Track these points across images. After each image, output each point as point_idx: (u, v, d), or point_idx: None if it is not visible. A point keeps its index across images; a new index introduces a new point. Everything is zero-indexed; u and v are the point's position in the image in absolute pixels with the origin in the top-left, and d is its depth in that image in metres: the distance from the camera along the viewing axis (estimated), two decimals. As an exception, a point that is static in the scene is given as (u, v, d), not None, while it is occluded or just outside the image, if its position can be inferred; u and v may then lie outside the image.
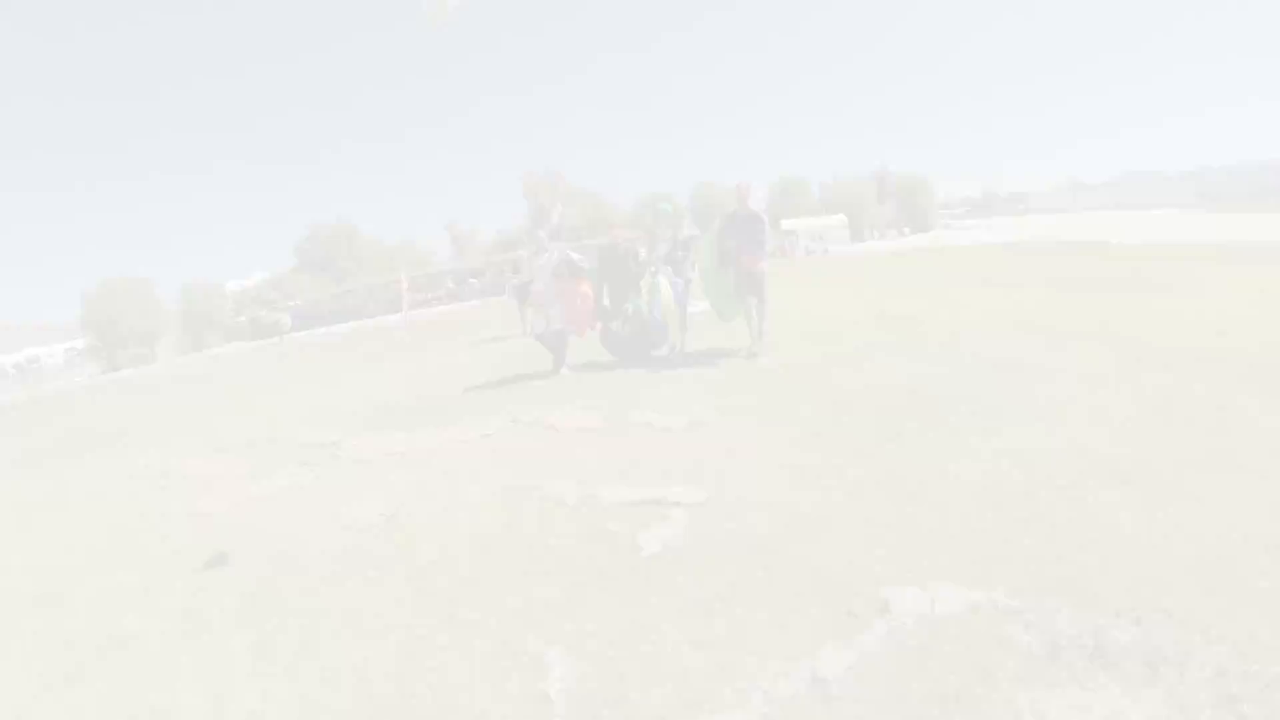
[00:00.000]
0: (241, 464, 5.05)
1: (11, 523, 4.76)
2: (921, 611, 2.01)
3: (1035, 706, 1.62)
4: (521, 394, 5.88)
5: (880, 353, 5.30)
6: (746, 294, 6.30)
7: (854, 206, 49.69)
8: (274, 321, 27.32)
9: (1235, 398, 3.44)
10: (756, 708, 1.76)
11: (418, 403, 6.34)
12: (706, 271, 6.62)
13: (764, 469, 3.29)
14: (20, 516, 4.83)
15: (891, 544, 2.41)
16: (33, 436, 9.64)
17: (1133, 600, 1.94)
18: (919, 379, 4.38)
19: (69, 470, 6.18)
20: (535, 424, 4.64)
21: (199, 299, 37.00)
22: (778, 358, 5.86)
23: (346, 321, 33.99)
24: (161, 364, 27.39)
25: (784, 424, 3.93)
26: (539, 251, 7.02)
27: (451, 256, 54.52)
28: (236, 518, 3.93)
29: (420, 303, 22.72)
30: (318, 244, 46.79)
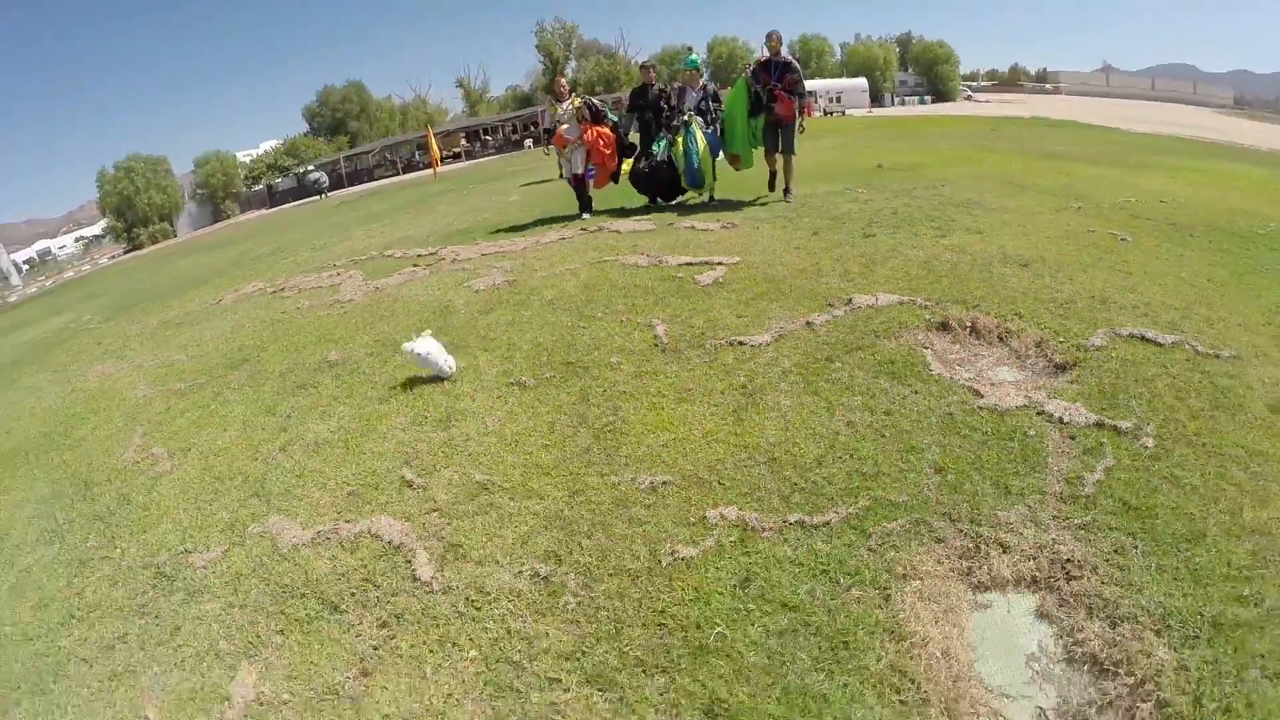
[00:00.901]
0: (358, 273, 6.43)
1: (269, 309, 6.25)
2: (870, 304, 3.49)
3: (927, 342, 3.10)
4: (579, 216, 7.00)
5: (874, 190, 6.38)
6: (774, 140, 6.50)
7: (875, 71, 47.21)
8: (315, 180, 29.88)
9: (1139, 239, 4.58)
10: (773, 333, 3.28)
11: (489, 225, 7.51)
12: (733, 118, 6.63)
13: (777, 248, 4.62)
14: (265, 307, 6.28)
15: (858, 280, 3.79)
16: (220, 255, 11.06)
17: (1000, 311, 3.32)
18: (900, 206, 5.53)
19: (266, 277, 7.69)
20: (600, 230, 5.89)
21: (216, 171, 36.99)
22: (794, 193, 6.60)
23: (365, 183, 34.15)
24: (193, 235, 28.96)
25: (794, 228, 5.16)
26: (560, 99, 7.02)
27: (464, 112, 52.73)
28: (387, 295, 5.32)
29: (440, 158, 23.57)
30: (328, 108, 45.56)
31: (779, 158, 6.60)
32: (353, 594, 2.15)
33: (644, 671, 1.71)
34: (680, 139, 6.72)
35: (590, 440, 2.72)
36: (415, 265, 6.31)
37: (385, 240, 8.24)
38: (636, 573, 2.01)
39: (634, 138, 7.10)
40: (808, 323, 3.43)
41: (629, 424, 2.78)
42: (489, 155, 34.05)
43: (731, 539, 2.09)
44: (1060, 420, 2.47)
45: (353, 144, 44.91)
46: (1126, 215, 5.21)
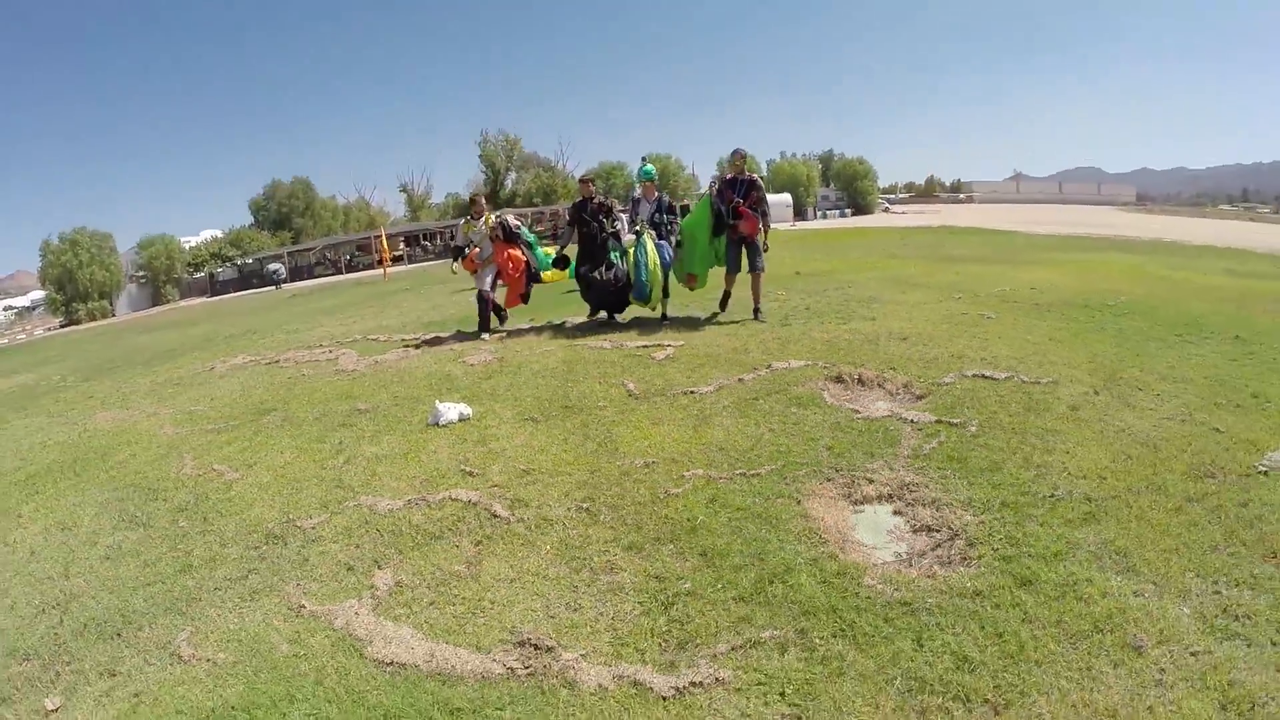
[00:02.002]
0: (351, 351, 7.43)
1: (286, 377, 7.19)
2: (784, 367, 4.83)
3: (824, 387, 4.40)
4: (543, 312, 8.12)
5: (791, 293, 8.00)
6: (737, 259, 6.70)
7: (799, 187, 51.27)
8: (274, 271, 31.44)
9: (1002, 316, 6.20)
10: (715, 385, 4.54)
11: (459, 319, 8.54)
12: (695, 237, 6.77)
13: (712, 335, 6.06)
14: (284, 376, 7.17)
15: (776, 353, 5.16)
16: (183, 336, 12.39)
17: (879, 367, 4.72)
18: (811, 303, 7.18)
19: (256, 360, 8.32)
20: (562, 324, 7.22)
21: (160, 254, 36.84)
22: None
23: (305, 279, 34.77)
24: (132, 315, 28.84)
25: (723, 320, 6.68)
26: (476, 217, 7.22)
27: (406, 216, 54.12)
28: (389, 366, 6.33)
29: (390, 259, 24.96)
30: (275, 202, 46.55)
31: (742, 278, 6.66)
32: (449, 529, 3.04)
33: (659, 541, 2.75)
34: (631, 250, 6.76)
35: (595, 446, 3.80)
36: (405, 346, 7.29)
37: (362, 328, 9.29)
38: (644, 502, 3.07)
39: (571, 250, 7.43)
40: (739, 379, 4.73)
41: (621, 438, 3.88)
42: (429, 260, 35.51)
43: (701, 484, 3.20)
44: (911, 421, 3.77)
45: (296, 240, 45.51)
46: (998, 300, 6.96)
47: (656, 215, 6.84)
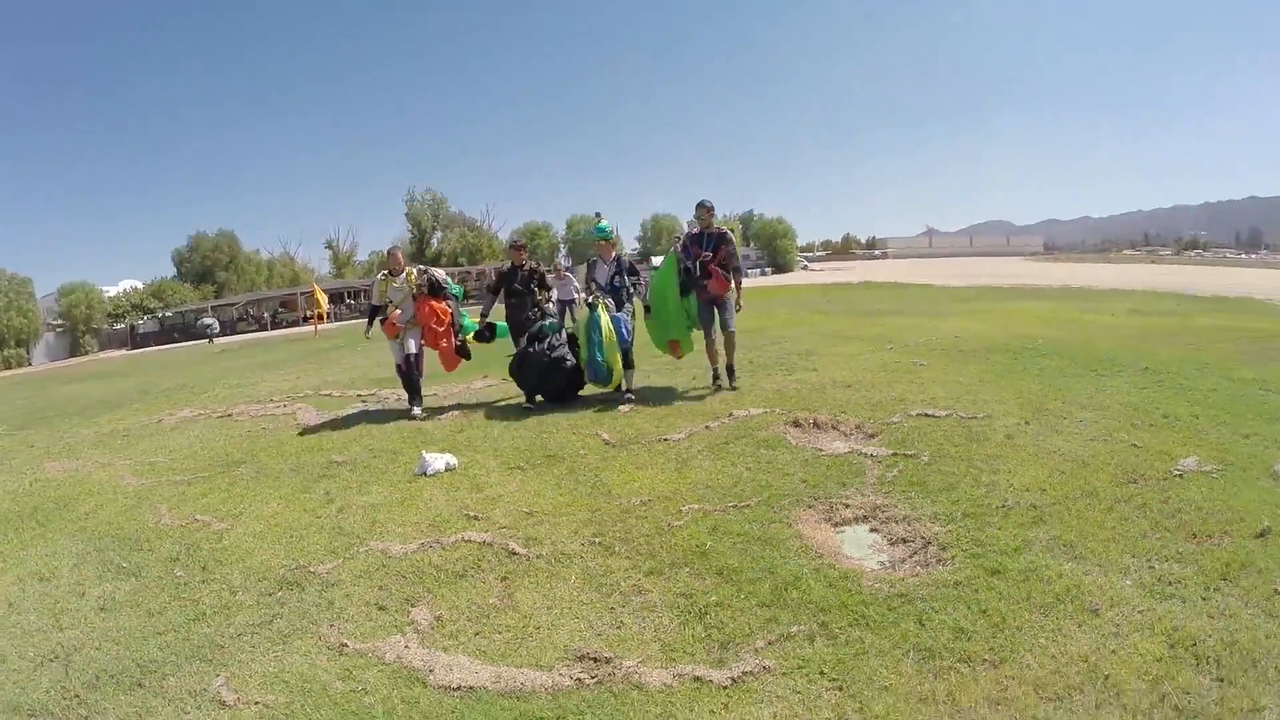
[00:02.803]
0: (306, 406, 7.51)
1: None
2: (745, 415, 5.24)
3: (786, 431, 4.85)
4: (485, 369, 8.15)
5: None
6: (710, 319, 6.10)
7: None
8: (208, 325, 31.46)
9: (932, 362, 6.93)
10: (685, 433, 4.89)
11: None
12: (665, 299, 6.14)
13: (668, 388, 6.48)
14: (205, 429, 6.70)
15: (732, 404, 5.58)
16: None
17: (832, 411, 5.23)
18: (753, 358, 7.70)
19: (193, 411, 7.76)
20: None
21: (80, 303, 34.32)
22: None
23: (228, 336, 33.41)
24: (50, 365, 26.87)
25: (675, 379, 7.00)
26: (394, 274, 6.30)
27: (331, 273, 52.83)
28: (360, 422, 6.34)
29: (315, 317, 24.37)
30: (199, 254, 44.53)
31: (719, 337, 6.15)
32: (471, 568, 3.17)
33: (675, 565, 3.02)
34: (584, 326, 6.06)
35: (588, 490, 4.03)
36: (362, 401, 7.30)
37: (309, 383, 9.24)
38: (651, 534, 3.34)
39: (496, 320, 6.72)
40: (706, 426, 5.10)
41: (610, 481, 4.13)
42: (355, 318, 34.80)
43: (699, 516, 3.51)
44: (871, 455, 4.26)
45: (219, 294, 43.41)
46: (926, 349, 7.72)
47: (616, 279, 6.12)
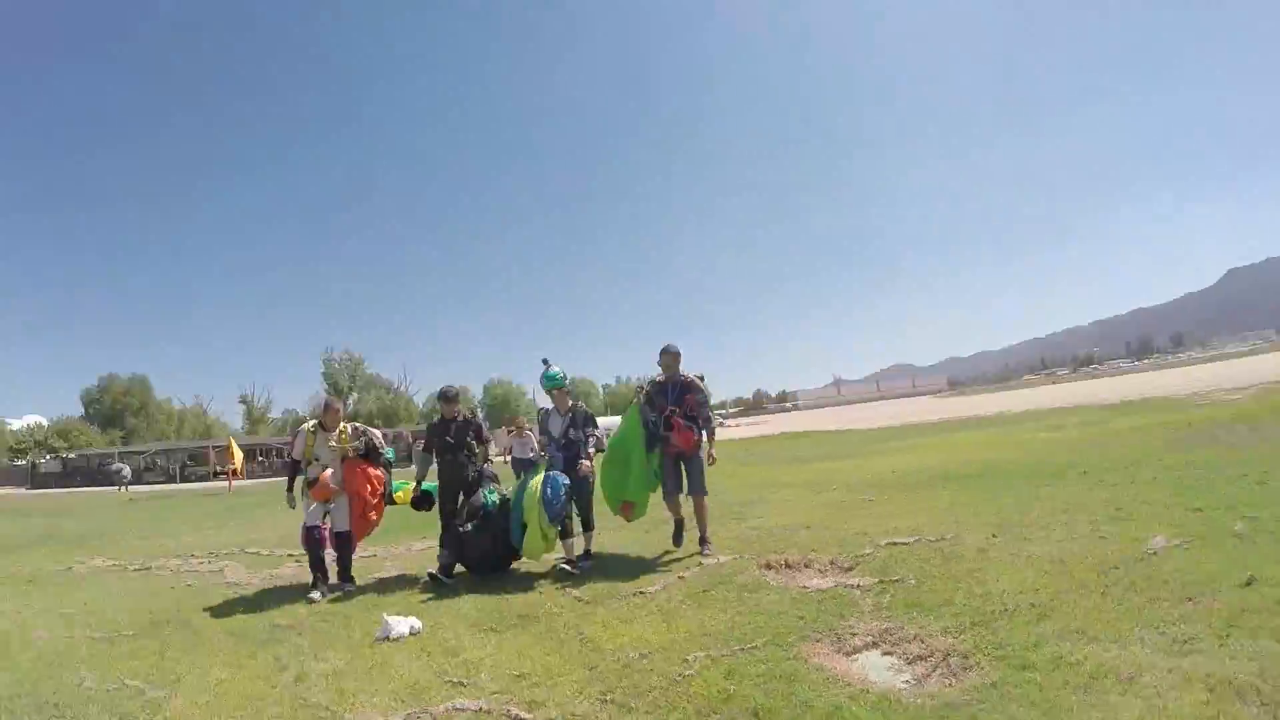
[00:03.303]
0: (234, 564, 6.85)
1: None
2: (714, 562, 5.05)
3: (762, 575, 4.69)
4: (423, 531, 7.20)
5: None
6: (677, 478, 5.42)
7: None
8: (118, 470, 29.82)
9: (880, 496, 7.18)
10: (660, 585, 4.63)
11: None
12: (627, 455, 5.44)
13: (623, 542, 6.09)
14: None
15: (696, 553, 5.35)
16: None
17: (801, 551, 5.14)
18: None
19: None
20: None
21: None
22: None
23: (133, 485, 30.52)
24: None
25: (625, 530, 6.59)
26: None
27: (244, 429, 50.54)
28: (287, 580, 5.84)
29: (231, 473, 22.90)
30: (109, 396, 41.43)
31: (685, 500, 5.45)
32: None
33: (702, 713, 2.75)
34: (513, 487, 5.56)
35: (577, 648, 3.64)
36: (296, 561, 6.62)
37: (233, 540, 8.52)
38: (663, 686, 3.04)
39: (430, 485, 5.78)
40: (680, 577, 4.83)
41: (596, 638, 3.75)
42: (267, 477, 32.76)
43: (708, 663, 3.23)
44: (857, 586, 4.19)
45: (127, 440, 39.94)
46: (866, 485, 7.95)
47: (571, 431, 5.40)
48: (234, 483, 23.94)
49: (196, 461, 38.23)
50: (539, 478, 5.25)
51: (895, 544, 4.94)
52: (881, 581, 4.14)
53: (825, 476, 9.44)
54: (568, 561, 5.19)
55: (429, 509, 5.72)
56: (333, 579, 5.41)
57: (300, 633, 4.29)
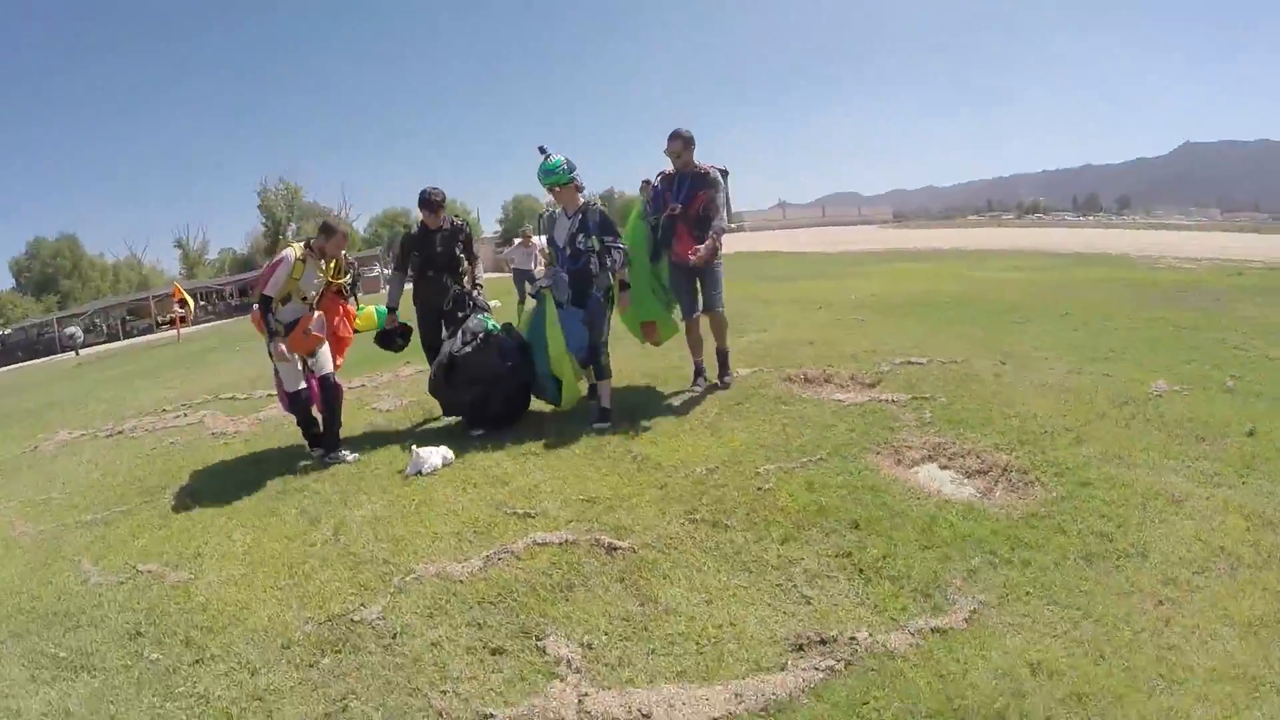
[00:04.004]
0: (214, 411, 6.26)
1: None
2: (736, 376, 4.93)
3: (787, 386, 4.63)
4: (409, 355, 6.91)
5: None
6: (691, 294, 4.53)
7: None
8: (71, 335, 27.79)
9: (870, 319, 7.09)
10: (683, 397, 4.54)
11: None
12: (635, 266, 4.42)
13: (635, 361, 5.58)
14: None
15: (712, 366, 5.04)
16: None
17: (816, 365, 5.09)
18: None
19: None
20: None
21: None
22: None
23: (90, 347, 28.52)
24: None
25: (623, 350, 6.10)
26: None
27: (181, 274, 47.21)
28: (275, 424, 5.35)
29: (178, 320, 22.34)
30: (38, 262, 37.60)
31: (703, 320, 4.63)
32: (574, 575, 2.56)
33: (801, 528, 2.73)
34: (523, 322, 4.61)
35: (633, 466, 3.52)
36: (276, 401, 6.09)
37: (202, 388, 7.84)
38: (747, 501, 2.99)
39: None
40: (704, 392, 4.64)
41: (651, 454, 3.63)
42: (210, 320, 30.74)
43: (783, 475, 3.25)
44: (892, 401, 4.26)
45: (63, 304, 36.86)
46: (854, 306, 8.01)
47: (581, 239, 4.11)
48: (182, 330, 21.95)
49: (137, 315, 35.38)
50: (555, 329, 4.20)
51: (910, 363, 5.01)
52: (915, 398, 4.22)
53: (807, 295, 9.41)
54: (601, 408, 4.23)
55: (403, 346, 4.72)
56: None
57: (320, 478, 3.91)
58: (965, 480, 3.12)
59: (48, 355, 28.51)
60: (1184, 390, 4.06)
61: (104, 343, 31.13)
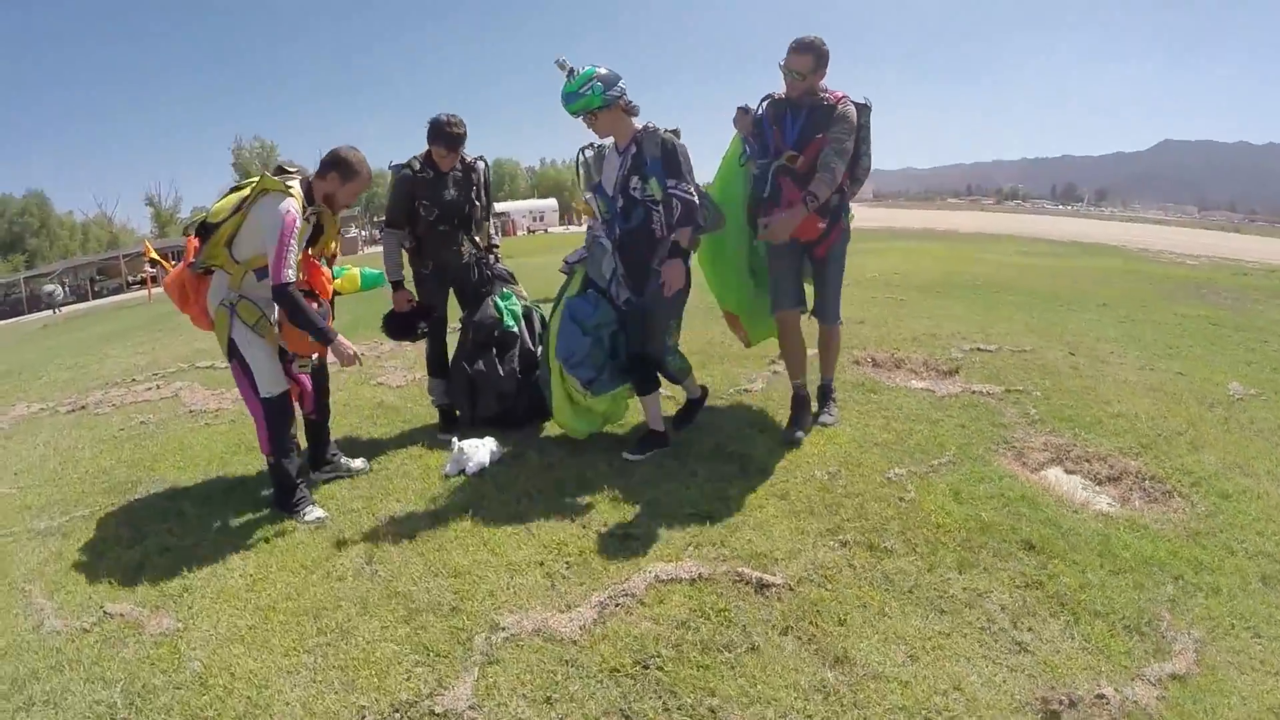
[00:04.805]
0: (191, 383, 5.44)
1: None
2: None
3: (874, 376, 4.25)
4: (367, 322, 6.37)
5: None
6: (793, 284, 3.15)
7: (563, 191, 50.06)
8: (50, 293, 25.32)
9: (910, 299, 6.62)
10: (760, 381, 3.98)
11: None
12: (722, 237, 3.23)
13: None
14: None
15: (768, 348, 4.11)
16: None
17: (887, 350, 4.65)
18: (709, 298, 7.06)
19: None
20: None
21: None
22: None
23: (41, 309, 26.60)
24: None
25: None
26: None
27: (153, 233, 44.88)
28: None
29: (149, 279, 21.52)
30: (4, 220, 34.95)
31: (816, 326, 3.35)
32: (728, 630, 1.95)
33: (969, 549, 2.37)
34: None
35: (735, 469, 2.95)
36: None
37: (174, 354, 6.85)
38: (898, 517, 2.56)
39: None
40: (774, 372, 4.19)
41: (746, 455, 3.11)
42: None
43: (917, 481, 2.82)
44: (987, 393, 3.96)
45: (30, 264, 34.45)
46: (884, 285, 7.53)
47: (636, 184, 2.82)
48: (153, 290, 20.34)
49: (107, 275, 33.80)
50: (556, 321, 3.13)
51: (980, 350, 4.73)
52: (1008, 390, 3.95)
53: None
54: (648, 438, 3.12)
55: (424, 334, 3.50)
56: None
57: (333, 478, 3.10)
58: (1097, 488, 2.89)
59: (15, 316, 26.57)
60: (1260, 395, 3.91)
61: (73, 303, 29.07)
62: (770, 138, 3.03)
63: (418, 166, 3.35)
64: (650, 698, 1.64)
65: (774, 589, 2.10)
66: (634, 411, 3.31)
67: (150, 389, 5.35)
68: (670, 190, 2.76)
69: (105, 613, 2.15)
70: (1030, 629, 1.96)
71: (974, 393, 3.83)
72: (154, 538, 2.62)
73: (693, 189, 2.81)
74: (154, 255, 10.95)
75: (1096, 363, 4.45)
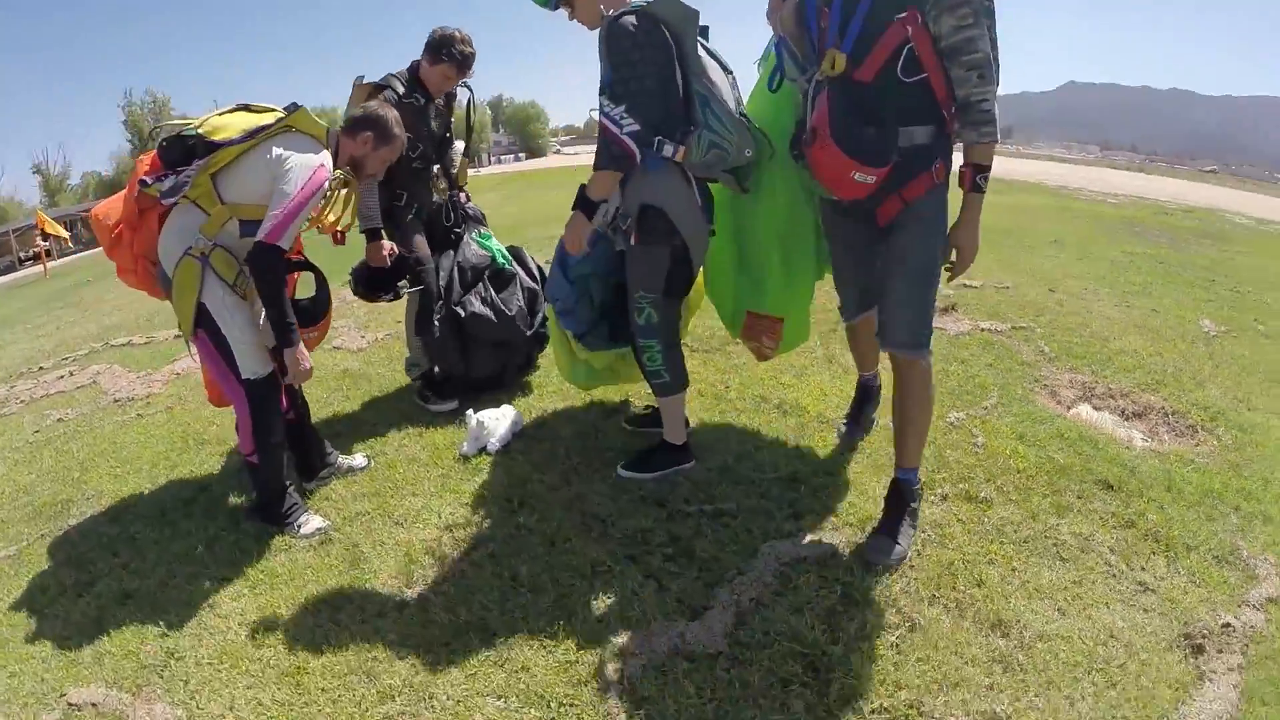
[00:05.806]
0: (110, 366, 4.68)
1: None
2: None
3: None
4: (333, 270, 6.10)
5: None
6: (854, 279, 2.22)
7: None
8: None
9: None
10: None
11: None
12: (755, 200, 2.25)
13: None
14: None
15: None
16: None
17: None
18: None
19: None
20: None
21: None
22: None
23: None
24: None
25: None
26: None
27: (43, 203, 41.23)
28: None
29: (44, 254, 19.58)
30: None
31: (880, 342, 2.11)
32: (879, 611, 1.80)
33: (1051, 493, 2.30)
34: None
35: (795, 422, 2.79)
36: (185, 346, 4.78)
37: (83, 334, 5.88)
38: (973, 463, 2.49)
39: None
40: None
41: (797, 399, 2.95)
42: (80, 251, 26.12)
43: (976, 424, 2.75)
44: (992, 330, 3.86)
45: None
46: None
47: (602, 101, 1.96)
48: (48, 264, 19.16)
49: None
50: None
51: (967, 286, 4.74)
52: (1015, 328, 3.98)
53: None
54: (636, 416, 2.81)
55: (404, 291, 2.84)
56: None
57: (322, 480, 2.49)
58: (1126, 424, 2.97)
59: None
60: (1230, 332, 4.09)
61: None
62: (815, 34, 1.81)
63: (402, 90, 2.76)
64: (848, 711, 1.35)
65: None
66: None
67: (62, 377, 4.50)
68: (602, 109, 1.90)
69: (70, 704, 1.54)
70: (1143, 568, 1.99)
71: (984, 330, 3.83)
72: (106, 579, 2.03)
73: (618, 110, 1.83)
74: (48, 227, 9.21)
75: (1077, 300, 4.56)
